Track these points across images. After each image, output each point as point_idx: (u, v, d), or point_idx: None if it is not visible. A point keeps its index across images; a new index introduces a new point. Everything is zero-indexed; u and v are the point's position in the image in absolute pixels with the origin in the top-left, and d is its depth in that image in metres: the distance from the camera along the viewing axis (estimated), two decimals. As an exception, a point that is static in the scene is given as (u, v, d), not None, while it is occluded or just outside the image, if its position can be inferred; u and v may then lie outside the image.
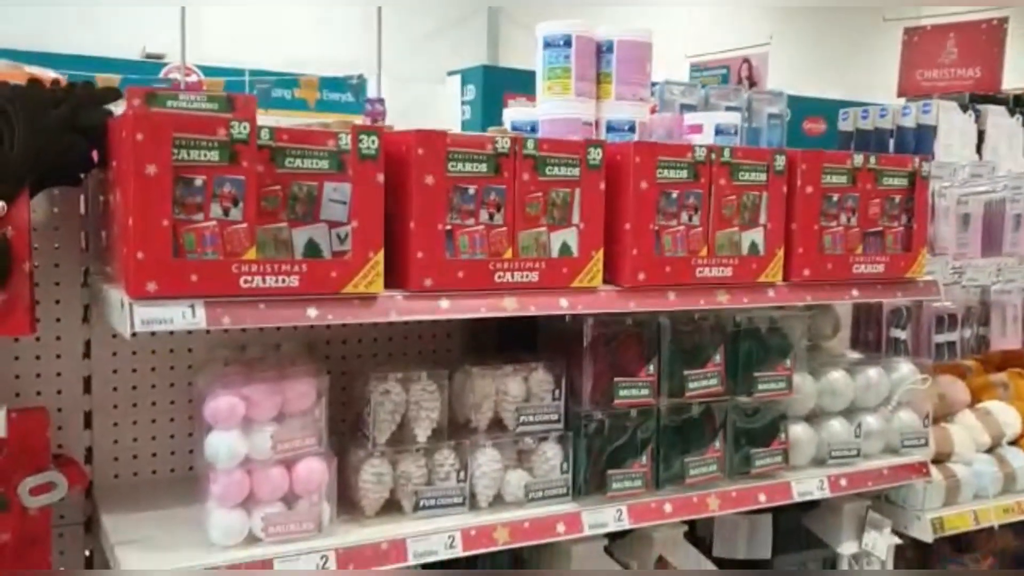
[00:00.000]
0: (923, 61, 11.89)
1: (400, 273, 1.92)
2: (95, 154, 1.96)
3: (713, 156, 2.21)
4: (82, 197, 2.18)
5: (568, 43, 2.98)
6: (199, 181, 1.72)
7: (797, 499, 2.42)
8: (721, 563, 2.50)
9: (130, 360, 2.27)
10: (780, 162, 2.30)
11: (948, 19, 11.83)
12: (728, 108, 3.35)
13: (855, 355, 2.83)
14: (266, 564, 1.81)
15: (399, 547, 1.93)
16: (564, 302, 2.06)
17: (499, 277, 1.97)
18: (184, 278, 1.69)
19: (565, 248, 2.06)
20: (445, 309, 1.93)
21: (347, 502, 2.04)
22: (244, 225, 1.76)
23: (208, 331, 2.33)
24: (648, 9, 10.10)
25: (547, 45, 3.01)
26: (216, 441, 1.82)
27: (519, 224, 2.00)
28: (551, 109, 2.94)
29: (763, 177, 2.28)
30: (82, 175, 2.01)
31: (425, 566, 2.13)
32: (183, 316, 1.70)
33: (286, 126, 1.88)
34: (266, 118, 1.96)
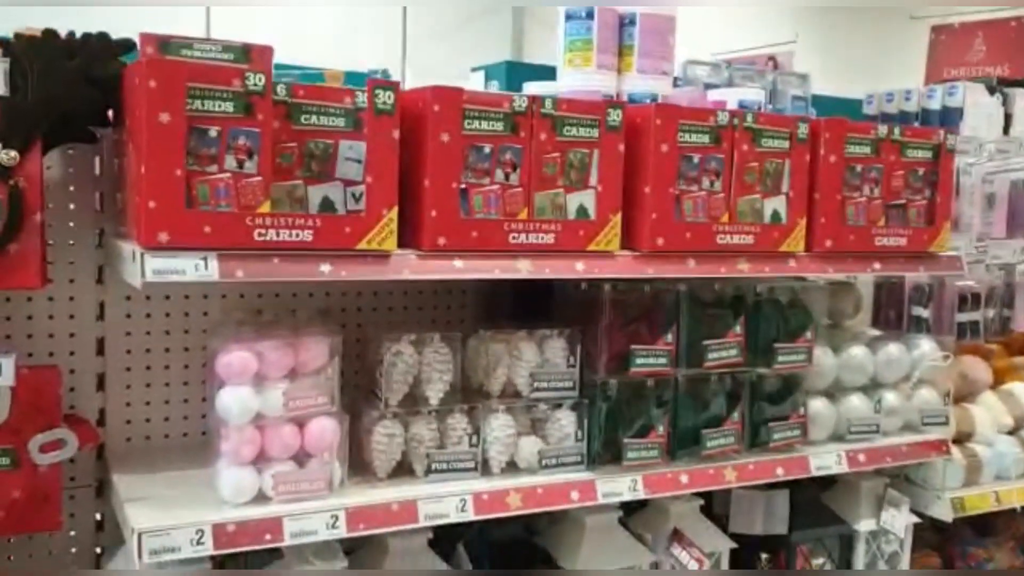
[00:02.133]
0: (950, 59, 11.76)
1: (414, 232, 1.89)
2: (111, 113, 1.95)
3: (736, 121, 2.18)
4: (97, 158, 2.16)
5: (590, 15, 2.95)
6: (213, 132, 1.70)
7: (815, 473, 2.38)
8: (737, 538, 2.46)
9: (144, 322, 2.26)
10: (803, 130, 2.26)
11: (976, 17, 11.69)
12: (795, 97, 3.31)
13: (876, 332, 2.79)
14: (275, 522, 1.79)
15: (410, 508, 1.91)
16: (580, 266, 2.03)
17: (513, 238, 1.95)
18: (197, 229, 1.68)
19: (582, 210, 2.03)
20: (459, 269, 1.91)
21: (360, 464, 2.02)
22: (259, 178, 1.74)
23: (224, 295, 2.33)
24: (671, 5, 10.04)
25: (569, 18, 2.98)
26: (228, 396, 1.80)
27: (535, 185, 1.97)
28: (571, 81, 2.91)
29: (786, 144, 2.24)
30: (97, 133, 2.00)
31: (437, 529, 2.11)
32: (195, 268, 1.68)
33: (305, 83, 1.87)
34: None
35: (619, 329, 2.16)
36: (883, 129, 2.38)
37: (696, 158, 2.14)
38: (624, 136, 2.06)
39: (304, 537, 1.82)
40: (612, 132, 2.04)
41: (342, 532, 1.84)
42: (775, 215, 2.25)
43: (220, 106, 1.70)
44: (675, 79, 3.03)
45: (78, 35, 1.86)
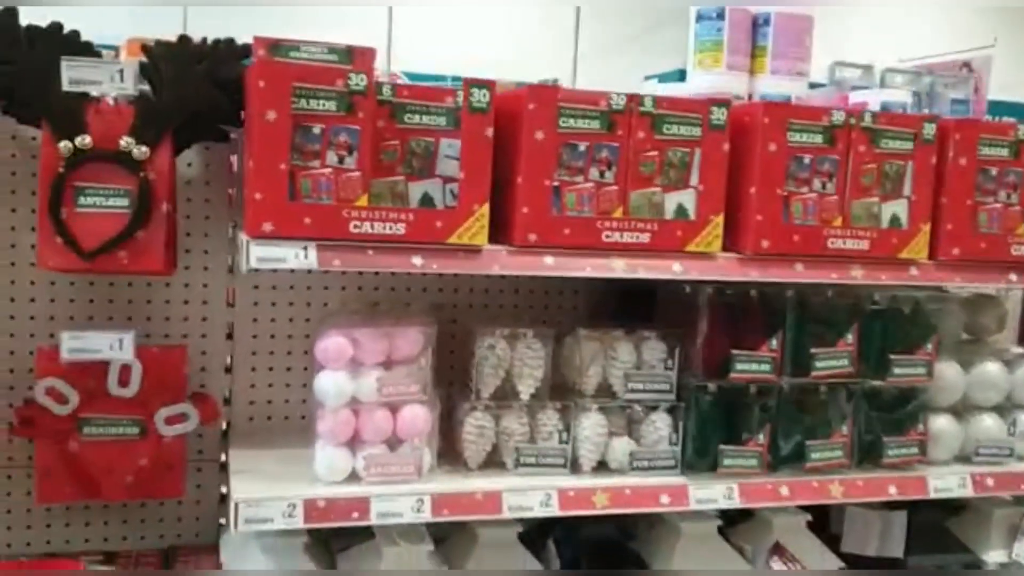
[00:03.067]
0: None
1: (506, 228, 1.93)
2: (242, 114, 2.10)
3: (852, 121, 2.09)
4: (233, 157, 2.33)
5: (721, 16, 2.92)
6: (317, 129, 1.80)
7: (934, 495, 2.24)
8: (848, 559, 2.35)
9: (270, 310, 2.41)
10: (929, 130, 2.14)
11: None
12: (955, 100, 3.16)
13: (1020, 350, 2.59)
14: (363, 501, 1.87)
15: (494, 499, 1.95)
16: (678, 266, 2.01)
17: (607, 236, 1.95)
18: (298, 220, 1.78)
19: (681, 210, 2.01)
20: (550, 266, 1.93)
21: (453, 455, 2.07)
22: (358, 173, 1.82)
23: (343, 287, 2.45)
24: (858, 8, 9.61)
25: (700, 19, 2.96)
26: (325, 380, 1.90)
27: (631, 183, 1.97)
28: (700, 83, 2.88)
29: (909, 146, 2.13)
30: (230, 132, 2.15)
31: (530, 524, 2.14)
32: (296, 256, 1.78)
33: (407, 83, 1.95)
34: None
35: (720, 333, 2.12)
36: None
37: (807, 159, 2.07)
38: (729, 135, 2.02)
39: (390, 518, 1.89)
40: (716, 131, 2.00)
41: (427, 516, 1.90)
42: (894, 219, 2.14)
43: (324, 105, 1.79)
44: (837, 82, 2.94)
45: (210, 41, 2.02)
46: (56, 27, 1.90)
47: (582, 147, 1.93)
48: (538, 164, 1.90)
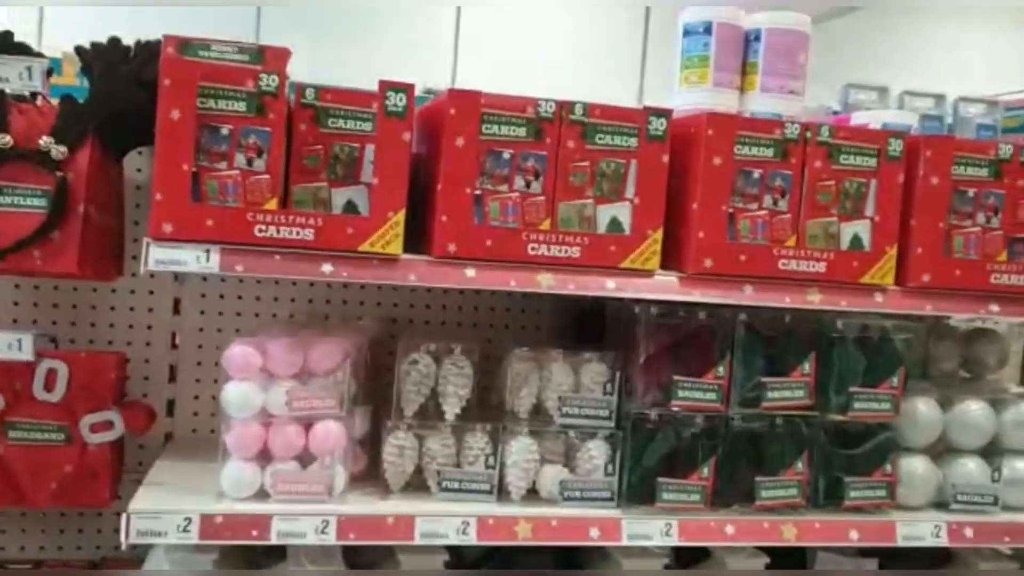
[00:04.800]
0: None
1: (425, 238, 1.85)
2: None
3: (808, 134, 1.96)
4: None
5: (708, 30, 2.79)
6: (225, 130, 1.75)
7: (902, 543, 2.06)
8: None
9: (216, 320, 2.37)
10: (895, 147, 1.99)
11: None
12: (981, 126, 3.00)
13: (1019, 390, 2.39)
14: (264, 519, 1.79)
15: (406, 524, 1.84)
16: (612, 284, 1.89)
17: (533, 249, 1.85)
18: (200, 222, 1.73)
19: (615, 224, 1.90)
20: (471, 279, 1.83)
21: (378, 477, 1.98)
22: (267, 176, 1.77)
23: (293, 299, 2.40)
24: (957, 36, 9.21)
25: (686, 33, 2.83)
26: (231, 390, 1.83)
27: (560, 194, 1.87)
28: (683, 100, 2.76)
29: (872, 162, 1.99)
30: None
31: (462, 554, 2.04)
32: (197, 260, 1.73)
33: (332, 87, 1.89)
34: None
35: (664, 357, 1.99)
36: (1007, 149, 2.05)
37: (757, 173, 1.94)
38: (669, 146, 1.90)
39: (292, 539, 1.80)
40: (654, 142, 1.90)
41: (331, 539, 1.81)
42: (856, 240, 1.99)
43: (232, 105, 1.74)
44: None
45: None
46: (-12, 27, 1.90)
47: (507, 155, 1.84)
48: (458, 171, 1.82)
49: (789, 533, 2.01)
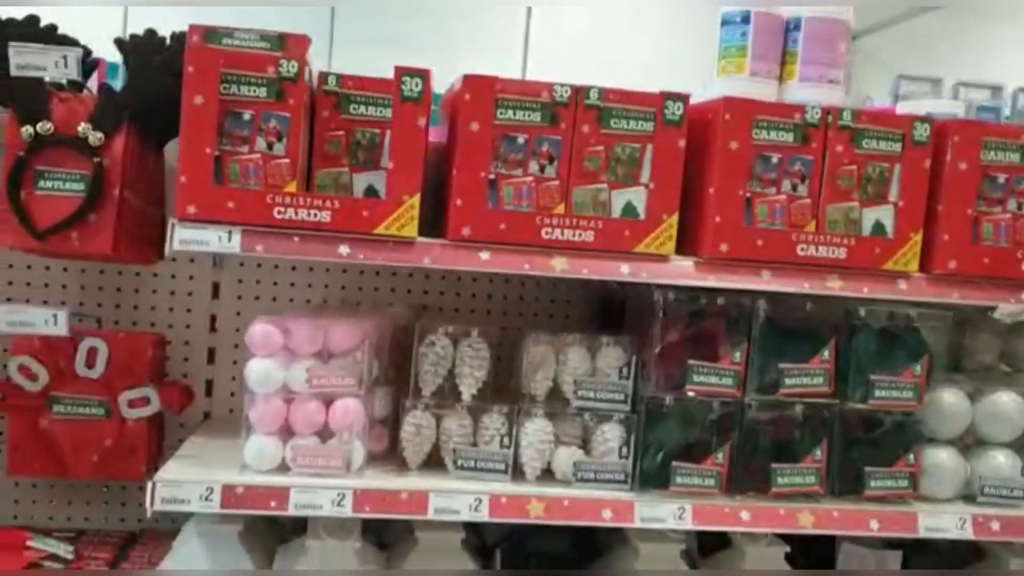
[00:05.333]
0: None
1: (441, 221, 1.89)
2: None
3: (830, 119, 1.94)
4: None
5: (746, 20, 2.78)
6: (247, 115, 1.82)
7: (924, 534, 2.02)
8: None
9: (253, 305, 2.44)
10: (921, 131, 1.96)
11: None
12: None
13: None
14: (283, 491, 1.85)
15: (420, 499, 1.88)
16: (625, 268, 1.90)
17: (547, 233, 1.87)
18: (222, 204, 1.79)
19: (630, 208, 1.91)
20: (485, 262, 1.87)
21: (399, 454, 2.02)
22: (286, 160, 1.83)
23: (326, 285, 2.46)
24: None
25: (724, 23, 2.83)
26: (253, 367, 1.90)
27: (575, 179, 1.89)
28: (719, 90, 2.75)
29: (896, 147, 1.96)
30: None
31: (481, 532, 2.07)
32: (219, 240, 1.80)
33: (355, 74, 1.94)
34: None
35: (680, 343, 2.00)
36: (1039, 134, 2.00)
37: (775, 158, 1.93)
38: (686, 131, 1.91)
39: (309, 510, 1.86)
40: (670, 126, 1.90)
41: (347, 511, 1.86)
42: (878, 227, 1.97)
43: (253, 91, 1.81)
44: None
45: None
46: (32, 19, 2.00)
47: (521, 140, 1.87)
48: (473, 156, 1.85)
49: (806, 520, 1.99)
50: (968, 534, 2.04)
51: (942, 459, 2.09)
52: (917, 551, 2.20)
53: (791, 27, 2.79)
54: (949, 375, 2.14)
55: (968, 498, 2.11)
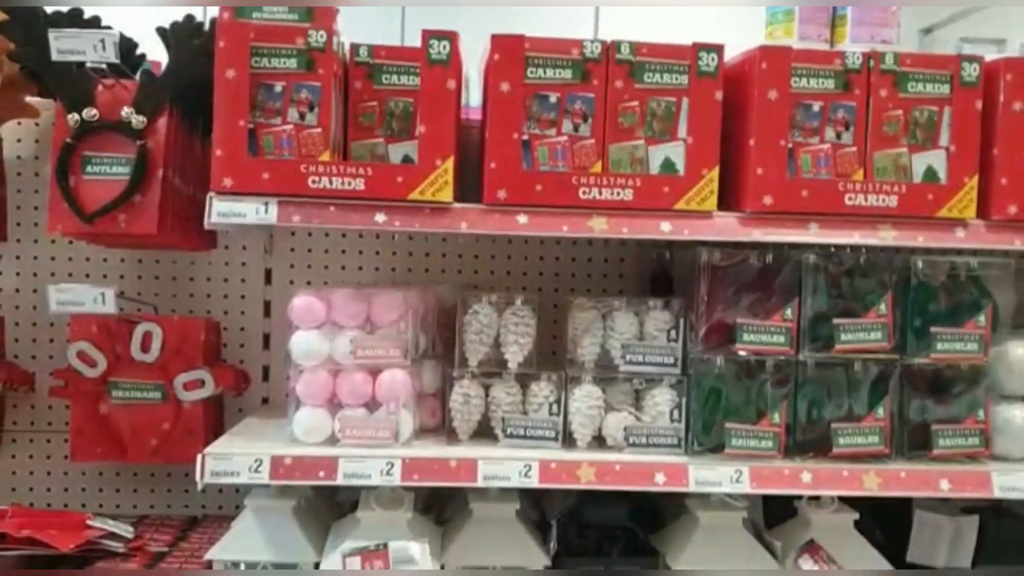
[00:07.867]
0: None
1: (476, 186, 1.88)
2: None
3: (872, 63, 1.87)
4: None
5: (792, -17, 2.73)
6: (279, 87, 1.84)
7: (999, 495, 1.92)
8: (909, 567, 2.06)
9: (306, 289, 2.45)
10: (971, 71, 1.88)
11: None
12: None
13: None
14: (331, 461, 1.85)
15: (468, 466, 1.87)
16: (666, 226, 1.86)
17: (584, 193, 1.84)
18: (257, 176, 1.81)
19: (668, 164, 1.87)
20: (523, 225, 1.85)
21: (448, 426, 2.01)
22: (319, 129, 1.84)
23: (376, 268, 2.47)
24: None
25: (770, -11, 2.79)
26: (297, 339, 1.91)
27: (610, 136, 1.86)
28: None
29: (945, 89, 1.88)
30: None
31: (541, 503, 2.05)
32: (256, 212, 1.82)
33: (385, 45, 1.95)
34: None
35: (728, 301, 1.94)
36: (1102, 67, 1.89)
37: (817, 106, 1.87)
38: (722, 82, 1.86)
39: (357, 480, 1.85)
40: (705, 78, 1.86)
41: (396, 480, 1.85)
42: (930, 173, 1.89)
43: (284, 63, 1.83)
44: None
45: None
46: (76, 12, 2.05)
47: (553, 98, 1.85)
48: (505, 117, 1.84)
49: (872, 483, 1.91)
50: (1047, 492, 1.93)
51: (1015, 416, 1.98)
52: (995, 514, 2.10)
53: (839, -11, 2.72)
54: (1016, 327, 2.03)
55: (1047, 456, 2.00)
